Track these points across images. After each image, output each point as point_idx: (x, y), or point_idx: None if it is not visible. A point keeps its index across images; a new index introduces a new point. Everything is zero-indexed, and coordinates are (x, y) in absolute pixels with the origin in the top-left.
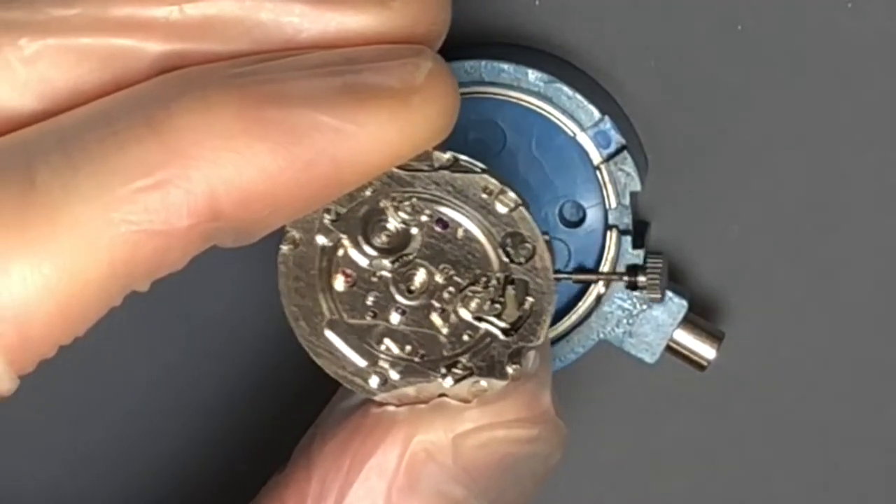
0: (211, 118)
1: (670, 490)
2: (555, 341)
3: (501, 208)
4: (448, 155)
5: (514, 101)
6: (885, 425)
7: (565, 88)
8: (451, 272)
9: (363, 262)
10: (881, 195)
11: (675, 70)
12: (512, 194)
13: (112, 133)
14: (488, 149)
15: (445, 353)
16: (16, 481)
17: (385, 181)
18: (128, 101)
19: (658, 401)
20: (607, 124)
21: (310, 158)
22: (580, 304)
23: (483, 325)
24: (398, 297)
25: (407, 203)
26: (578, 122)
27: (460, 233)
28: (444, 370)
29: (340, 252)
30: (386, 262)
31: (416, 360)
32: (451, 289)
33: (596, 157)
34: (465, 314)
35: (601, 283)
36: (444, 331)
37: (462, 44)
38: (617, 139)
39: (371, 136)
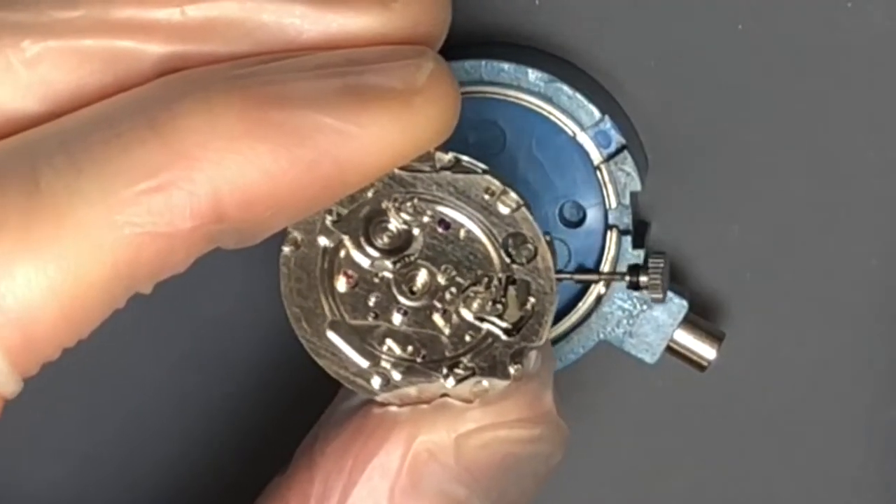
0: (214, 120)
1: (670, 490)
2: (555, 342)
3: (503, 209)
4: (450, 156)
5: (514, 100)
6: (886, 425)
7: (565, 88)
8: (453, 273)
9: (365, 262)
10: (881, 195)
11: (675, 70)
12: (514, 195)
13: (115, 135)
14: (488, 149)
15: (447, 354)
16: (18, 482)
17: (387, 182)
18: (130, 103)
19: (658, 401)
20: (607, 124)
21: (312, 160)
22: (580, 304)
23: (485, 326)
24: (400, 298)
25: (409, 204)
26: (578, 121)
27: (462, 233)
28: (446, 370)
29: (342, 253)
30: (388, 263)
31: (418, 360)
32: (453, 289)
33: (596, 156)
34: (467, 314)
35: (602, 283)
36: (446, 331)
37: (462, 44)
38: (617, 139)
39: (373, 138)
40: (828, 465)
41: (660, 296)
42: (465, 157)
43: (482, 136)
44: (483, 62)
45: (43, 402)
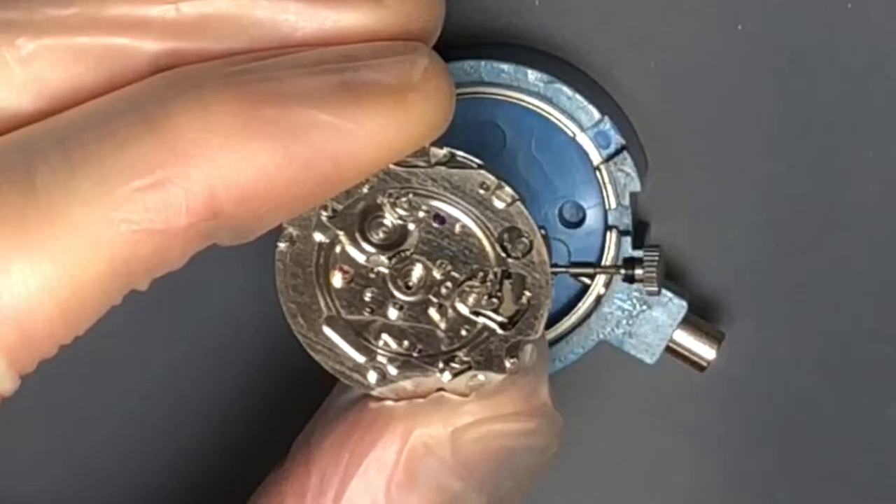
0: (209, 117)
1: (670, 490)
2: (554, 342)
3: (498, 203)
4: (444, 151)
5: (514, 101)
6: (885, 425)
7: (565, 89)
8: (449, 267)
9: (360, 258)
10: (881, 195)
11: (675, 70)
12: (509, 189)
13: (110, 133)
14: (488, 150)
15: (443, 348)
16: (15, 482)
17: (382, 177)
18: (126, 100)
19: (658, 401)
20: (607, 125)
21: (308, 156)
22: (580, 304)
23: (480, 320)
24: (396, 293)
25: (404, 199)
26: (578, 122)
27: (457, 228)
28: (441, 365)
29: (338, 249)
30: (383, 259)
31: (414, 355)
32: (449, 284)
33: (596, 157)
34: (463, 309)
35: (601, 284)
36: (442, 325)
37: (462, 44)
38: (617, 139)
39: (369, 133)
40: (828, 464)
41: (655, 289)
42: (459, 153)
43: (482, 137)
44: (483, 63)
45: (43, 402)
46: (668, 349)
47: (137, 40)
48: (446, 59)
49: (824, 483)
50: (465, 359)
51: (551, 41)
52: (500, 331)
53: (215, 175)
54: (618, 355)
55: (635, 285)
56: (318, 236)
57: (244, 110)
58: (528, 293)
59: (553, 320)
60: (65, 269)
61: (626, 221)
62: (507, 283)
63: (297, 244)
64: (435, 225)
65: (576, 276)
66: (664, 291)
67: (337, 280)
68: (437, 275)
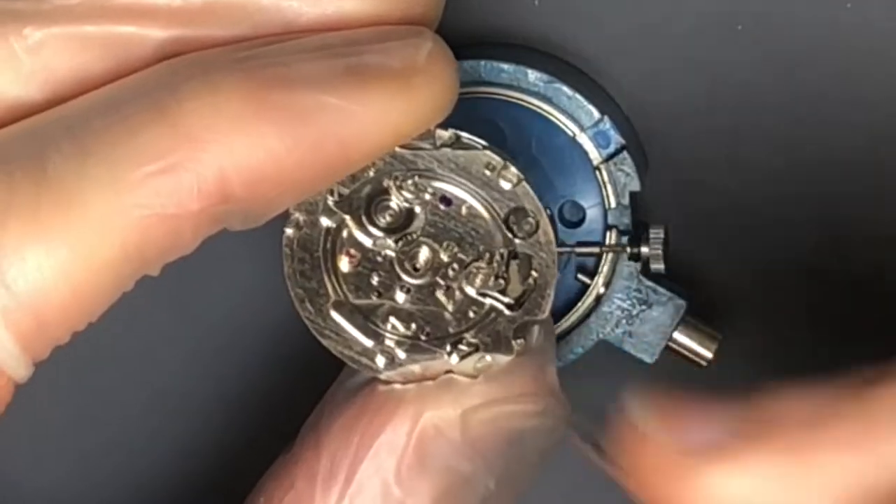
0: (219, 102)
1: None
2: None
3: (504, 184)
4: (450, 132)
5: (514, 101)
6: None
7: (565, 88)
8: (455, 249)
9: (367, 242)
10: (881, 195)
11: (675, 70)
12: (514, 169)
13: (121, 119)
14: None
15: (451, 330)
16: (15, 482)
17: (388, 161)
18: (135, 86)
19: None
20: (607, 124)
21: (316, 139)
22: (580, 304)
23: (488, 301)
24: (403, 276)
25: (410, 182)
26: (578, 122)
27: (464, 209)
28: (449, 347)
29: (344, 233)
30: (390, 242)
31: (422, 337)
32: (456, 266)
33: (595, 157)
34: (470, 290)
35: (601, 283)
36: (450, 308)
37: (462, 43)
38: (616, 139)
39: (375, 116)
40: None
41: (661, 266)
42: (464, 134)
43: (482, 137)
44: (482, 62)
45: (43, 402)
46: (668, 349)
47: (144, 28)
48: None
49: None
50: (473, 340)
51: (551, 41)
52: (507, 312)
53: (226, 159)
54: (617, 355)
55: (636, 285)
56: (325, 221)
57: (253, 94)
58: (534, 273)
59: (553, 320)
60: (78, 254)
61: (626, 221)
62: (513, 263)
63: (304, 229)
64: (441, 207)
65: (581, 255)
66: (664, 291)
67: (344, 264)
68: (443, 257)
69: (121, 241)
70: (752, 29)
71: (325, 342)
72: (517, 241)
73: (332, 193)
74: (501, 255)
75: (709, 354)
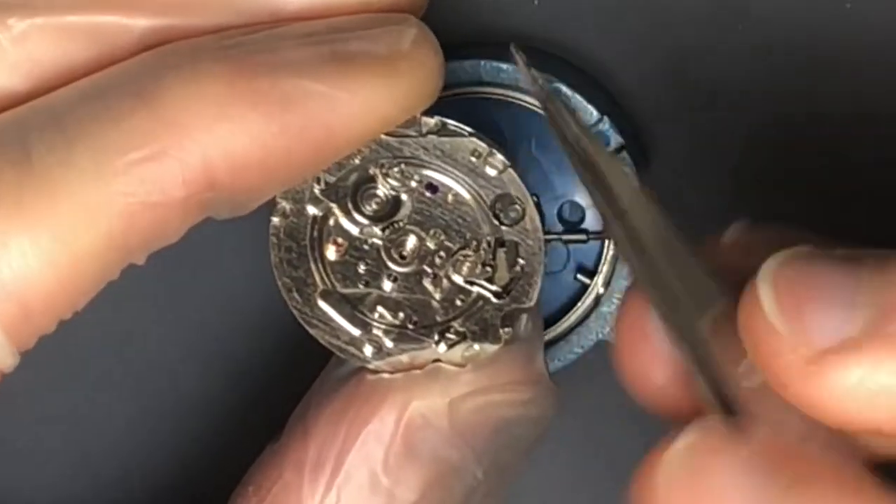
0: (203, 89)
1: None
2: (554, 342)
3: (491, 170)
4: (435, 119)
5: (514, 101)
6: None
7: (565, 88)
8: (442, 237)
9: (354, 230)
10: (882, 195)
11: (675, 70)
12: (500, 156)
13: (105, 107)
14: None
15: (438, 319)
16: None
17: (374, 148)
18: (119, 75)
19: None
20: (607, 124)
21: (302, 126)
22: (579, 304)
23: (475, 289)
24: (390, 265)
25: (396, 169)
26: None
27: (450, 197)
28: (437, 336)
29: (331, 221)
30: (377, 230)
31: (410, 326)
32: (443, 254)
33: None
34: (457, 279)
35: (600, 284)
36: (437, 296)
37: (461, 44)
38: (616, 139)
39: (361, 102)
40: None
41: None
42: (450, 121)
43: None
44: (482, 62)
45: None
46: None
47: (127, 18)
48: (446, 58)
49: None
50: (461, 329)
51: (551, 40)
52: (494, 300)
53: (211, 146)
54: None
55: None
56: (312, 209)
57: (238, 81)
58: (521, 261)
59: (553, 320)
60: (63, 242)
61: None
62: (500, 251)
63: (291, 218)
64: (427, 194)
65: (568, 242)
66: None
67: (331, 253)
68: (430, 245)
69: (105, 229)
70: (752, 29)
71: (312, 331)
72: (504, 228)
73: (318, 182)
74: (488, 243)
75: None
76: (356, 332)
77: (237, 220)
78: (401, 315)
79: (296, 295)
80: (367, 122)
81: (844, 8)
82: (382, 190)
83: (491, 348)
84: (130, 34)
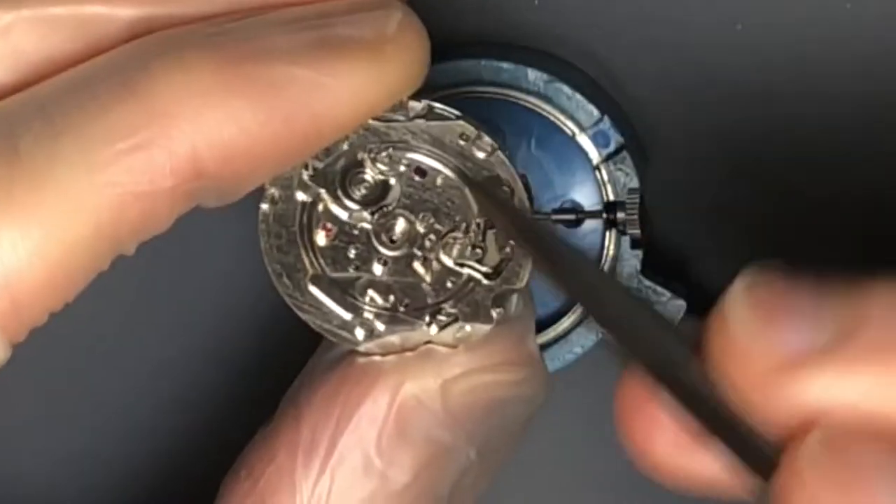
0: (189, 77)
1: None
2: (554, 342)
3: (479, 153)
4: (422, 103)
5: (514, 100)
6: None
7: (565, 88)
8: (432, 220)
9: (343, 215)
10: (881, 195)
11: (675, 70)
12: (488, 139)
13: (92, 97)
14: None
15: (430, 301)
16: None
17: (361, 133)
18: (106, 65)
19: None
20: (606, 124)
21: (289, 112)
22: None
23: (465, 271)
24: (380, 248)
25: (384, 154)
26: (578, 121)
27: (439, 180)
28: (429, 318)
29: (320, 207)
30: (366, 214)
31: (401, 309)
32: (432, 236)
33: (595, 156)
34: (448, 261)
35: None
36: (428, 279)
37: (461, 43)
38: (616, 139)
39: (348, 88)
40: None
41: (637, 233)
42: (437, 105)
43: None
44: (482, 62)
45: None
46: None
47: (112, 8)
48: (446, 58)
49: None
50: (452, 311)
51: (551, 40)
52: (485, 281)
53: (198, 135)
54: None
55: (636, 284)
56: (301, 195)
57: (224, 69)
58: (511, 242)
59: (553, 320)
60: (52, 233)
61: None
62: (490, 233)
63: (280, 204)
64: (416, 178)
65: (557, 222)
66: (663, 291)
67: (321, 238)
68: (420, 228)
69: (94, 220)
70: (752, 28)
71: (303, 316)
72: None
73: (306, 168)
74: (478, 225)
75: None
76: (347, 315)
77: (227, 207)
78: (392, 298)
79: (286, 280)
80: (355, 107)
81: (845, 8)
82: (371, 175)
83: (482, 329)
84: (116, 24)
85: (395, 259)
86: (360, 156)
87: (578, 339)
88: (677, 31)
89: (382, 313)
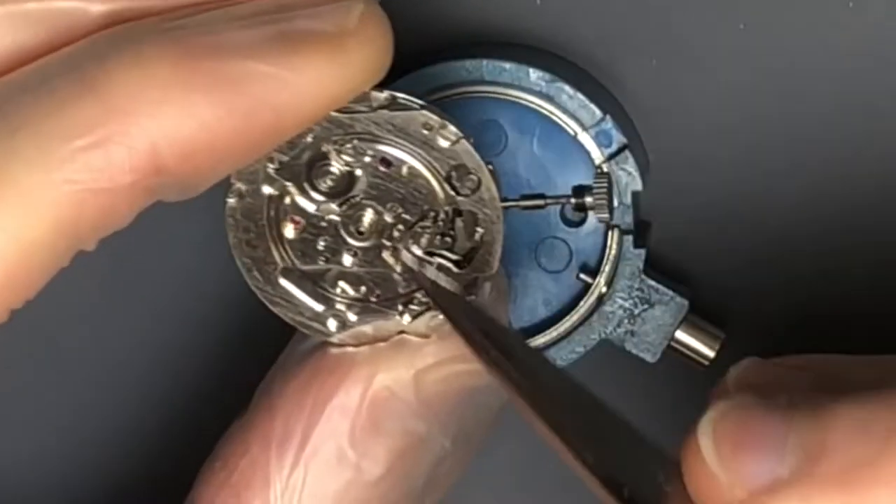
0: (147, 72)
1: None
2: (556, 341)
3: (443, 142)
4: (385, 94)
5: (516, 100)
6: None
7: (567, 88)
8: (399, 210)
9: (311, 207)
10: (882, 195)
11: (677, 69)
12: (452, 128)
13: (49, 93)
14: (489, 149)
15: (401, 291)
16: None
17: (325, 126)
18: (63, 60)
19: (659, 400)
20: (609, 123)
21: (249, 107)
22: (582, 303)
23: (435, 260)
24: (349, 240)
25: (349, 145)
26: (580, 121)
27: (405, 170)
28: (401, 307)
29: (287, 200)
30: (333, 206)
31: (373, 299)
32: (401, 226)
33: (597, 156)
34: (417, 250)
35: (603, 283)
36: (398, 268)
37: (463, 43)
38: (618, 138)
39: (308, 82)
40: None
41: (605, 216)
42: (400, 94)
43: (483, 136)
44: (484, 62)
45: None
46: (670, 348)
47: (83, 2)
48: (448, 57)
49: None
50: (424, 300)
51: (553, 40)
52: (455, 269)
53: (156, 131)
54: (619, 354)
55: (638, 284)
56: (267, 189)
57: (182, 64)
58: (480, 229)
59: (555, 319)
60: (9, 232)
61: (628, 220)
62: (458, 221)
63: (247, 198)
64: (382, 169)
65: (526, 208)
66: (666, 290)
67: (289, 231)
68: (388, 218)
69: (53, 217)
70: (754, 28)
71: (275, 310)
72: (460, 198)
73: (271, 161)
74: (446, 213)
75: (711, 354)
76: (319, 307)
77: (195, 200)
78: (363, 289)
79: (256, 274)
80: (316, 101)
81: (845, 8)
82: (336, 166)
83: None
84: (87, 19)
85: (364, 250)
86: (324, 148)
87: (580, 338)
88: (679, 29)
89: (354, 304)
